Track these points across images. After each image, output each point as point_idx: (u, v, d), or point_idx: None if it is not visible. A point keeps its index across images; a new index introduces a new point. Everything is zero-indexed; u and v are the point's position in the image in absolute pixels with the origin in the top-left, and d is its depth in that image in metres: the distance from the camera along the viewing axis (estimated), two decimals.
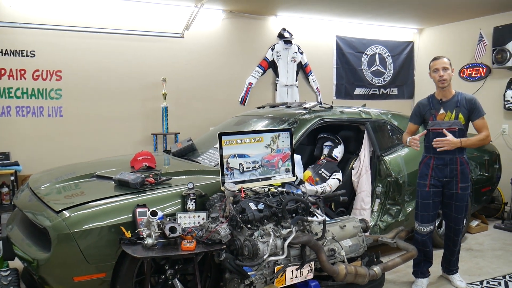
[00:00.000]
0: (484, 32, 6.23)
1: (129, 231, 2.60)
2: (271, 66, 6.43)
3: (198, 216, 2.81)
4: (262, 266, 2.63)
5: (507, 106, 6.08)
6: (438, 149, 3.33)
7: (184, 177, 3.27)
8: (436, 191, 3.49)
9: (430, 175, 3.48)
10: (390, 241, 3.60)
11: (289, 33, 6.42)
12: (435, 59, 3.45)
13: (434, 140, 3.33)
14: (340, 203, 4.00)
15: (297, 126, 3.78)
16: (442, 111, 3.43)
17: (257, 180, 3.12)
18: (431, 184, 3.48)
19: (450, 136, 3.28)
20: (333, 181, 3.92)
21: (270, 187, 3.08)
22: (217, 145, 3.06)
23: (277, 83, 6.48)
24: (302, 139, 3.79)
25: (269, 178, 3.18)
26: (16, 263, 3.20)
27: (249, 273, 2.59)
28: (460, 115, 3.37)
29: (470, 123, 3.46)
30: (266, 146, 3.21)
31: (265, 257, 2.59)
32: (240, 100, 6.26)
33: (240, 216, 2.66)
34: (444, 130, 3.34)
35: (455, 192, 3.45)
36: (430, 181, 3.48)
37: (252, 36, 6.29)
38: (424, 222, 3.53)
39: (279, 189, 3.03)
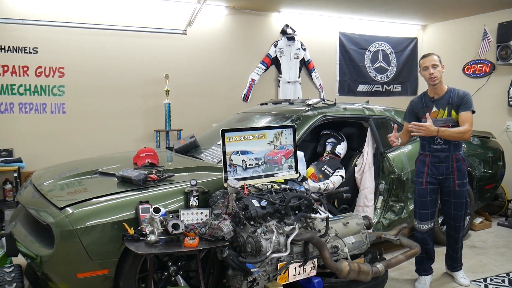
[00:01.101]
0: (489, 28, 6.20)
1: (132, 228, 2.60)
2: (274, 62, 6.42)
3: (201, 213, 2.81)
4: (265, 263, 2.63)
5: (511, 103, 6.04)
6: (412, 133, 3.31)
7: (187, 173, 3.27)
8: (432, 188, 3.48)
9: (426, 173, 3.47)
10: (393, 238, 3.59)
11: (292, 29, 6.40)
12: (423, 57, 3.43)
13: (411, 124, 3.30)
14: (343, 200, 4.00)
15: (300, 123, 3.77)
16: (434, 109, 3.40)
17: (260, 177, 3.11)
18: (427, 181, 3.46)
19: (429, 123, 3.22)
20: (336, 178, 3.91)
21: (273, 183, 3.07)
22: (220, 142, 3.05)
23: (280, 80, 6.47)
24: (305, 136, 3.78)
25: (272, 175, 3.17)
26: (20, 260, 3.21)
27: (252, 270, 2.59)
28: (453, 112, 3.34)
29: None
30: (269, 143, 3.20)
31: (268, 254, 2.59)
32: (242, 96, 6.25)
33: (243, 213, 2.65)
34: (426, 114, 3.29)
35: (452, 190, 3.43)
36: (426, 178, 3.47)
37: (254, 33, 6.27)
38: (422, 219, 3.52)
39: (282, 186, 3.03)
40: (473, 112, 3.34)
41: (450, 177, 3.41)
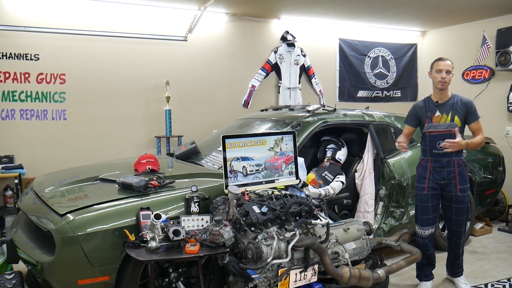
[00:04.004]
0: (488, 34, 6.22)
1: (133, 234, 2.60)
2: (274, 68, 6.44)
3: (202, 219, 2.81)
4: (265, 269, 2.63)
5: (510, 108, 6.06)
6: (444, 150, 3.31)
7: (187, 180, 3.28)
8: (434, 194, 3.49)
9: (428, 178, 3.48)
10: (394, 244, 3.59)
11: (292, 36, 6.43)
12: (439, 59, 3.45)
13: (445, 141, 3.28)
14: (344, 206, 4.00)
15: (300, 129, 3.78)
16: (438, 113, 3.43)
17: (260, 183, 3.12)
18: (429, 187, 3.47)
19: (458, 138, 3.27)
20: (337, 184, 3.92)
21: (274, 190, 3.08)
22: (221, 148, 3.06)
23: (280, 86, 6.49)
24: (305, 142, 3.79)
25: (273, 181, 3.18)
26: (20, 266, 3.21)
27: (252, 276, 2.59)
28: (456, 118, 3.38)
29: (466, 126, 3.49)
30: (269, 149, 3.21)
31: (268, 260, 2.59)
32: (243, 103, 6.27)
33: (243, 219, 2.65)
34: (456, 130, 3.32)
35: (454, 195, 3.44)
36: (428, 184, 3.47)
37: (255, 39, 6.30)
38: (424, 225, 3.52)
39: (283, 192, 3.03)
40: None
41: (452, 182, 3.42)
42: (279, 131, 3.72)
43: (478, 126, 3.44)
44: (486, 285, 3.71)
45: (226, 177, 2.99)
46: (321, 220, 2.89)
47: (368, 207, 4.03)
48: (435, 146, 3.42)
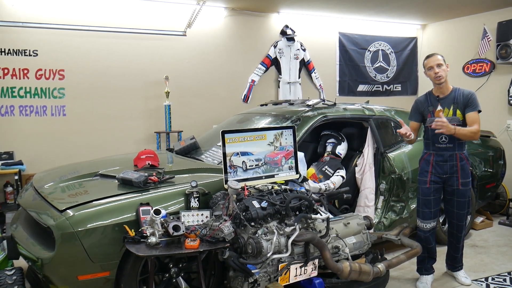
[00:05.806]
0: (488, 27, 6.20)
1: (132, 230, 2.60)
2: (274, 63, 6.42)
3: (202, 214, 2.81)
4: (266, 264, 2.63)
5: (511, 101, 6.04)
6: (436, 131, 3.24)
7: (187, 175, 3.27)
8: (436, 187, 3.49)
9: (430, 172, 3.48)
10: (394, 238, 3.59)
11: (292, 30, 6.41)
12: (427, 57, 3.43)
13: (436, 120, 3.20)
14: (344, 200, 4.00)
15: (300, 124, 3.78)
16: (439, 107, 3.41)
17: (260, 178, 3.11)
18: (432, 180, 3.47)
19: (444, 119, 3.20)
20: (337, 178, 3.91)
21: (274, 184, 3.07)
22: (220, 143, 3.05)
23: (279, 81, 6.47)
24: (305, 137, 3.78)
25: (273, 176, 3.17)
26: (21, 262, 3.21)
27: (253, 271, 2.59)
28: (458, 111, 3.36)
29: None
30: (269, 144, 3.20)
31: (269, 255, 2.59)
32: (242, 97, 6.26)
33: (243, 214, 2.65)
34: (440, 114, 3.24)
35: (456, 188, 3.45)
36: (431, 177, 3.47)
37: (254, 34, 6.27)
38: (425, 218, 3.53)
39: (283, 186, 3.02)
40: (479, 111, 3.36)
41: (454, 176, 3.42)
42: (279, 125, 3.71)
43: (474, 117, 3.31)
44: (486, 278, 3.71)
45: (225, 172, 2.99)
46: (321, 215, 2.88)
47: (368, 201, 4.03)
48: (437, 140, 3.41)
